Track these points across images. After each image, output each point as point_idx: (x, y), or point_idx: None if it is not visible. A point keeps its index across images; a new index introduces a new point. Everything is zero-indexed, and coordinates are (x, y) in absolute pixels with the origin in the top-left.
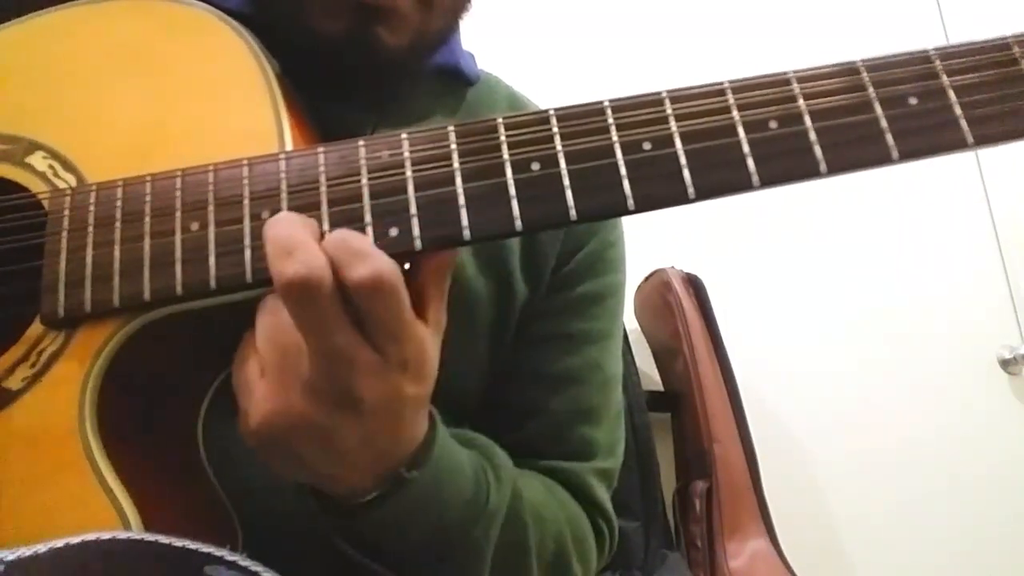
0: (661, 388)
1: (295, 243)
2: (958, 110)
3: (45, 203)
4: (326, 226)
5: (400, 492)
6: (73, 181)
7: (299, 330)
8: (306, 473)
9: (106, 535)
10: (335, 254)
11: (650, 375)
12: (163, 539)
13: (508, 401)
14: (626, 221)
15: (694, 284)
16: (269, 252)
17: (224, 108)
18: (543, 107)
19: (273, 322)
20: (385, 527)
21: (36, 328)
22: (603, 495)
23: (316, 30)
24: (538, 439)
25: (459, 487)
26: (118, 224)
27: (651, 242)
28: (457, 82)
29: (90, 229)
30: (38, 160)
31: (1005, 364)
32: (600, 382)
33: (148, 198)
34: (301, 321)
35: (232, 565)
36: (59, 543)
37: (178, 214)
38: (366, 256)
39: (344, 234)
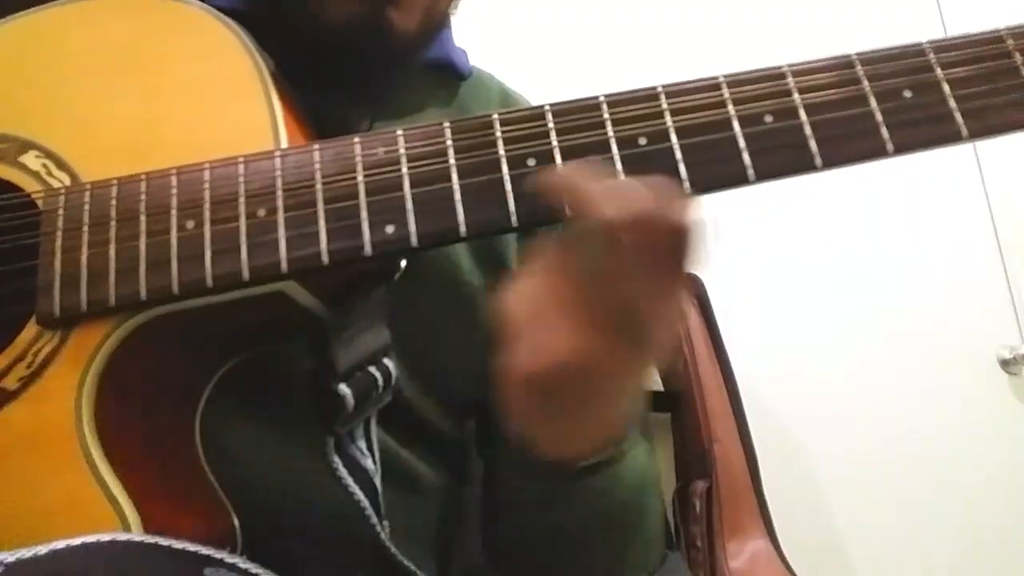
0: (661, 388)
1: (616, 183)
2: (952, 103)
3: (39, 202)
4: (322, 222)
5: (621, 451)
6: (67, 180)
7: (627, 268)
8: (568, 429)
9: (106, 537)
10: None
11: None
12: (163, 541)
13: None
14: None
15: (694, 284)
16: (601, 194)
17: (218, 106)
18: (536, 103)
19: (574, 264)
20: (590, 492)
21: (32, 328)
22: None
23: (324, 16)
24: None
25: (641, 464)
26: (113, 223)
27: None
28: (450, 76)
29: (85, 228)
30: (31, 159)
31: (1005, 364)
32: None
33: (143, 197)
34: (636, 253)
35: (232, 567)
36: (59, 545)
37: (174, 212)
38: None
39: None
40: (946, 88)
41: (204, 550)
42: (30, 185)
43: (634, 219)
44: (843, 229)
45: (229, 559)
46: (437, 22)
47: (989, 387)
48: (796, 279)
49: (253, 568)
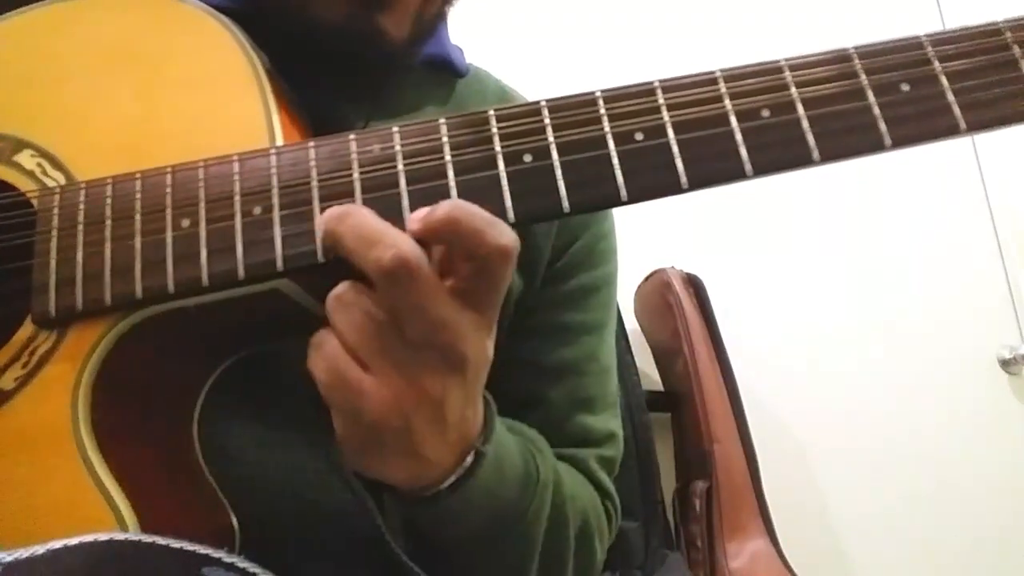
0: (661, 388)
1: (376, 230)
2: (951, 96)
3: (34, 202)
4: (318, 219)
5: (475, 470)
6: (62, 179)
7: (401, 311)
8: (407, 463)
9: (103, 536)
10: (463, 222)
11: (650, 375)
12: (160, 540)
13: (505, 392)
14: (626, 221)
15: (694, 284)
16: (352, 245)
17: (213, 103)
18: (530, 89)
19: (357, 316)
20: (453, 512)
21: (27, 328)
22: (607, 479)
23: (315, 18)
24: (538, 429)
25: (512, 462)
26: (108, 222)
27: (651, 242)
28: (447, 74)
29: (80, 228)
30: (26, 158)
31: (1005, 364)
32: (597, 372)
33: (138, 195)
34: (404, 302)
35: (230, 567)
36: (57, 544)
37: (169, 211)
38: (497, 225)
39: (464, 206)
40: (944, 81)
41: (202, 549)
42: (25, 184)
43: (387, 268)
44: (843, 229)
45: (227, 558)
46: (428, 26)
47: (989, 387)
48: (796, 279)
49: (251, 567)
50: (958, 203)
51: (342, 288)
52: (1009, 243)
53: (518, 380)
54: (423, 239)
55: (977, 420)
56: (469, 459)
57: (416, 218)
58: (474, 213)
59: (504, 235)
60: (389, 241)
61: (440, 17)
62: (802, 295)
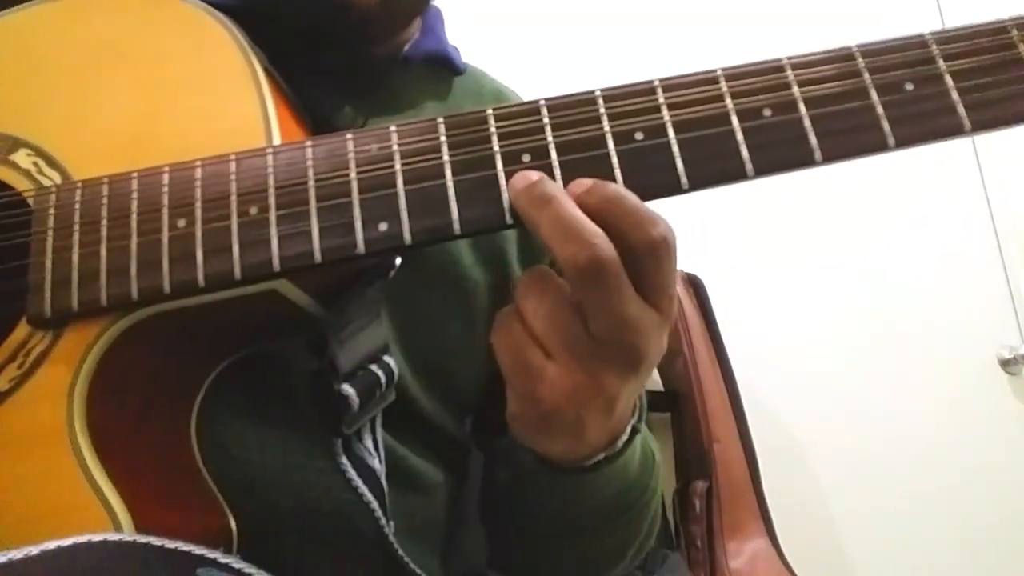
0: (661, 388)
1: (575, 226)
2: (955, 95)
3: (30, 201)
4: (315, 220)
5: (625, 449)
6: (58, 178)
7: (589, 307)
8: (568, 443)
9: (97, 537)
10: (616, 222)
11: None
12: (155, 541)
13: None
14: None
15: (694, 284)
16: (548, 234)
17: (211, 102)
18: (527, 89)
19: (546, 306)
20: (595, 486)
21: (23, 329)
22: None
23: None
24: None
25: (641, 442)
26: (104, 222)
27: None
28: (445, 72)
29: (76, 227)
30: (22, 157)
31: (1005, 364)
32: None
33: (134, 195)
34: (594, 299)
35: (225, 567)
36: (50, 545)
37: (165, 211)
38: (653, 218)
39: (613, 196)
40: (949, 80)
41: (197, 550)
42: (21, 184)
43: (582, 268)
44: (843, 229)
45: (222, 559)
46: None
47: (989, 387)
48: (796, 279)
49: (247, 568)
50: (958, 203)
51: (535, 274)
52: (1009, 243)
53: None
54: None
55: (977, 420)
56: (623, 438)
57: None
58: (627, 204)
59: (656, 230)
60: (587, 238)
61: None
62: (802, 295)
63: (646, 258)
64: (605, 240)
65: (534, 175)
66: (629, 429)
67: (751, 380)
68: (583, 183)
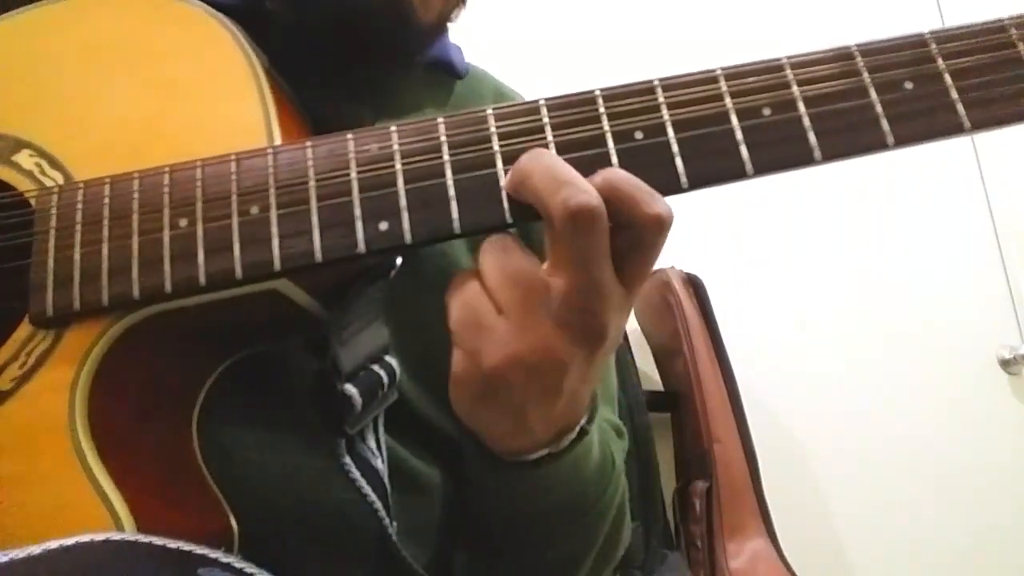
0: (661, 388)
1: (569, 174)
2: (954, 94)
3: (32, 201)
4: (316, 219)
5: (574, 447)
6: (60, 179)
7: (565, 262)
8: (507, 422)
9: (99, 536)
10: (620, 197)
11: (650, 375)
12: (157, 540)
13: None
14: None
15: (694, 284)
16: (540, 184)
17: (212, 103)
18: (528, 90)
19: (509, 261)
20: (538, 486)
21: (25, 328)
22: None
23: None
24: None
25: (597, 444)
26: (106, 222)
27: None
28: (446, 75)
29: (78, 227)
30: (24, 158)
31: (1005, 364)
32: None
33: (136, 195)
34: (575, 251)
35: (227, 567)
36: (52, 544)
37: (166, 211)
38: (656, 196)
39: (616, 174)
40: (948, 79)
41: (198, 550)
42: (23, 184)
43: (574, 208)
44: (843, 229)
45: (224, 559)
46: (448, 17)
47: (989, 387)
48: (796, 279)
49: (248, 568)
50: (958, 203)
51: (499, 237)
52: (1009, 243)
53: None
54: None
55: (977, 420)
56: (570, 436)
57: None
58: (632, 180)
59: (659, 204)
60: (581, 185)
61: (456, 15)
62: (802, 295)
63: (644, 233)
64: (596, 192)
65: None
66: (578, 429)
67: (751, 380)
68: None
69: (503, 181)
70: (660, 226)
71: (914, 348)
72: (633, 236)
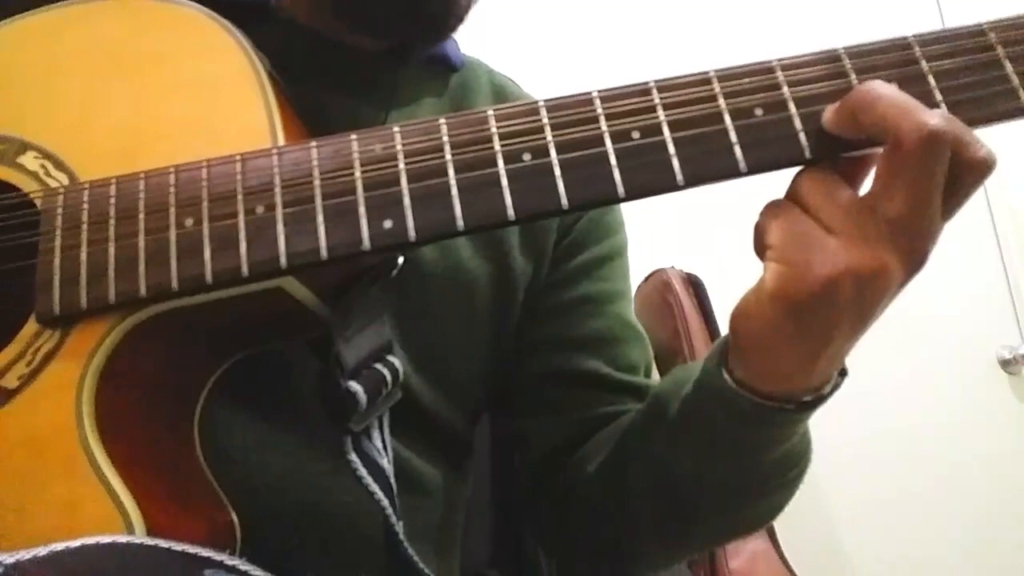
0: None
1: (915, 102)
2: (939, 95)
3: (38, 202)
4: (321, 217)
5: (830, 396)
6: (65, 180)
7: (907, 186)
8: (811, 345)
9: (106, 538)
10: (957, 128)
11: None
12: (163, 543)
13: (532, 372)
14: (627, 222)
15: (694, 284)
16: (892, 110)
17: (216, 105)
18: (523, 87)
19: (834, 187)
20: (782, 435)
21: (31, 326)
22: None
23: None
24: (583, 403)
25: None
26: (112, 221)
27: (651, 242)
28: (442, 68)
29: (84, 227)
30: (29, 160)
31: (1005, 364)
32: (635, 337)
33: (142, 195)
34: (919, 175)
35: (232, 570)
36: (60, 546)
37: (172, 210)
38: (982, 141)
39: (955, 119)
40: (932, 80)
41: (204, 552)
42: (28, 185)
43: (931, 131)
44: None
45: (229, 561)
46: (471, 3)
47: (989, 387)
48: None
49: (253, 570)
50: None
51: (812, 170)
52: (1009, 243)
53: (553, 360)
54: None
55: (977, 420)
56: (834, 383)
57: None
58: (963, 125)
59: (984, 150)
60: (932, 112)
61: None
62: None
63: (969, 175)
64: (947, 122)
65: None
66: (835, 378)
67: None
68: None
69: (505, 180)
70: (986, 169)
71: (914, 348)
72: (958, 176)
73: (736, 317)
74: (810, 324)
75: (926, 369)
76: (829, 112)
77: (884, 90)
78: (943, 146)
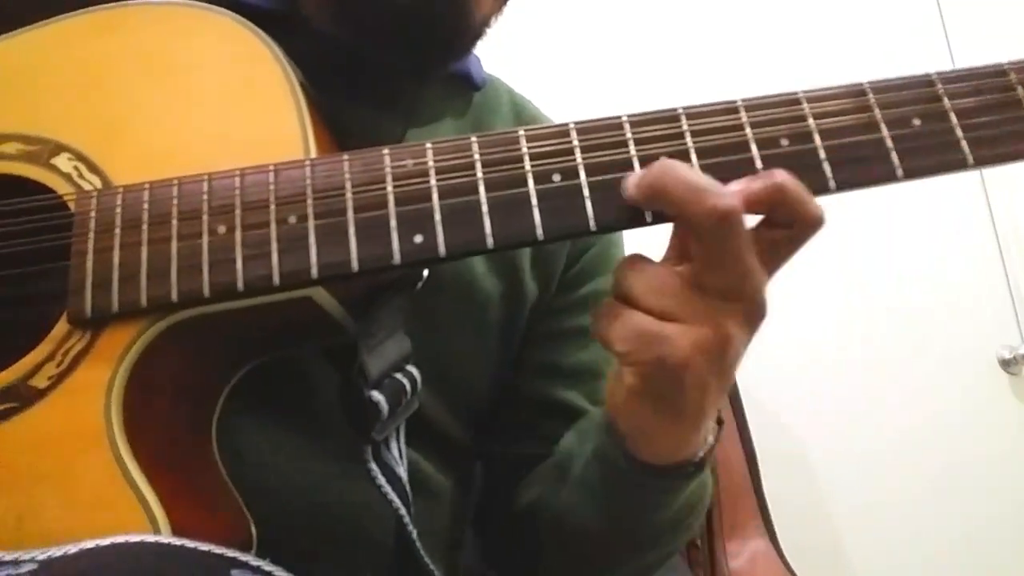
0: None
1: (706, 181)
2: (959, 132)
3: (71, 204)
4: (352, 230)
5: (715, 443)
6: (98, 183)
7: (718, 259)
8: (685, 423)
9: (135, 538)
10: (789, 190)
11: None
12: (189, 543)
13: (524, 396)
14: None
15: None
16: (681, 195)
17: (249, 114)
18: (543, 109)
19: (657, 277)
20: (679, 489)
21: (62, 327)
22: None
23: None
24: (562, 433)
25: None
26: (145, 226)
27: (651, 242)
28: (464, 87)
29: (117, 231)
30: (63, 162)
31: (1005, 364)
32: None
33: (175, 201)
34: (725, 249)
35: (257, 570)
36: (89, 544)
37: (205, 217)
38: (811, 196)
39: (788, 177)
40: (953, 118)
41: (229, 552)
42: (61, 187)
43: (724, 211)
44: (843, 229)
45: (254, 562)
46: (489, 21)
47: (989, 387)
48: (796, 279)
49: (277, 571)
50: (958, 203)
51: (631, 257)
52: (1009, 243)
53: (536, 384)
54: (752, 201)
55: (977, 420)
56: (714, 432)
57: (740, 188)
58: (798, 184)
59: (818, 207)
60: (722, 191)
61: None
62: (802, 295)
63: (803, 230)
64: (733, 193)
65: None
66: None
67: (751, 380)
68: (736, 187)
69: (535, 200)
70: (819, 224)
71: (914, 348)
72: (793, 233)
73: (611, 414)
74: (682, 406)
75: (926, 369)
76: (631, 187)
77: (674, 173)
78: (738, 224)
